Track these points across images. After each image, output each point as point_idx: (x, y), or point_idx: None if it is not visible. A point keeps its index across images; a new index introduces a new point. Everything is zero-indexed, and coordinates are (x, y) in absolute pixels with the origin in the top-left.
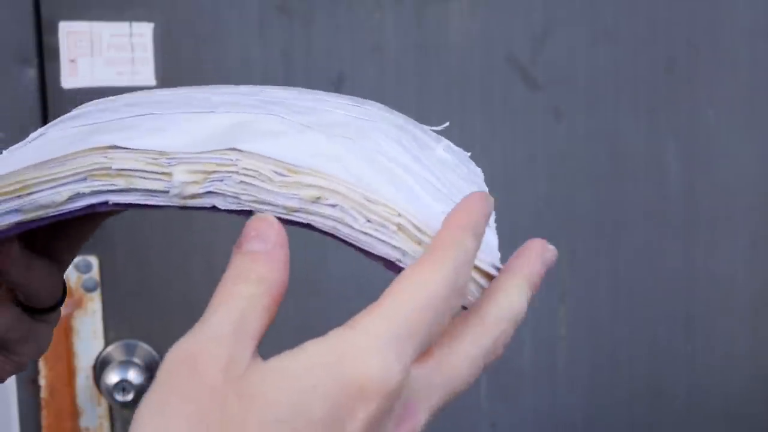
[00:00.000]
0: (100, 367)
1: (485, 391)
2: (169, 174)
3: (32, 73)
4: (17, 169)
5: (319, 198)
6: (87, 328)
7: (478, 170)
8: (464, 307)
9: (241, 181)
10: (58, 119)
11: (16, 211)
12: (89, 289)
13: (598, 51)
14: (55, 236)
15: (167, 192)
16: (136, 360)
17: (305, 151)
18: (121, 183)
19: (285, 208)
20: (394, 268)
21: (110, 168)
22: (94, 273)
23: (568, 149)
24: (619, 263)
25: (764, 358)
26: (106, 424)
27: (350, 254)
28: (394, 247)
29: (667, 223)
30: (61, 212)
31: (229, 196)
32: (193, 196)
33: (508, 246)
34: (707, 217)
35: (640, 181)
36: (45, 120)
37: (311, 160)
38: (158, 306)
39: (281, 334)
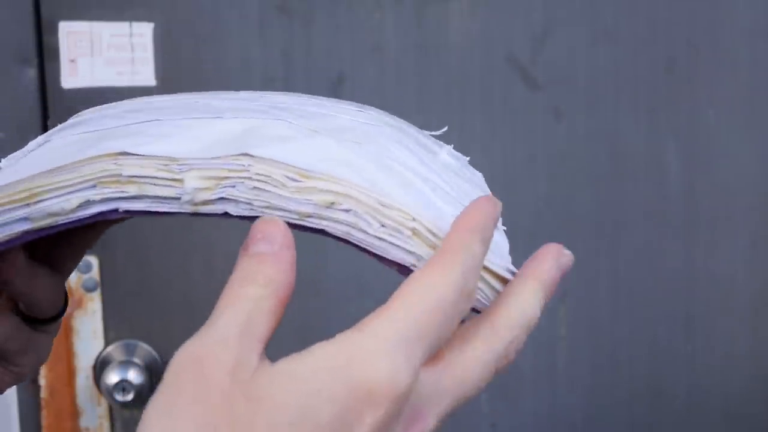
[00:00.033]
0: (100, 367)
1: (485, 391)
2: (180, 180)
3: (32, 73)
4: (25, 177)
5: (333, 203)
6: (87, 328)
7: (479, 174)
8: (477, 311)
9: (255, 187)
10: (59, 127)
11: (25, 219)
12: (89, 289)
13: (598, 51)
14: (58, 245)
15: (179, 198)
16: (136, 360)
17: (317, 156)
18: (131, 190)
19: (298, 213)
20: (407, 272)
21: (120, 175)
22: (94, 273)
23: (568, 149)
24: (619, 263)
25: (764, 358)
26: (106, 424)
27: (350, 255)
28: (409, 251)
29: (667, 223)
30: (71, 220)
31: (241, 202)
32: (205, 203)
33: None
34: (707, 217)
35: (640, 181)
36: (45, 120)
37: (323, 164)
38: (158, 306)
39: (282, 334)
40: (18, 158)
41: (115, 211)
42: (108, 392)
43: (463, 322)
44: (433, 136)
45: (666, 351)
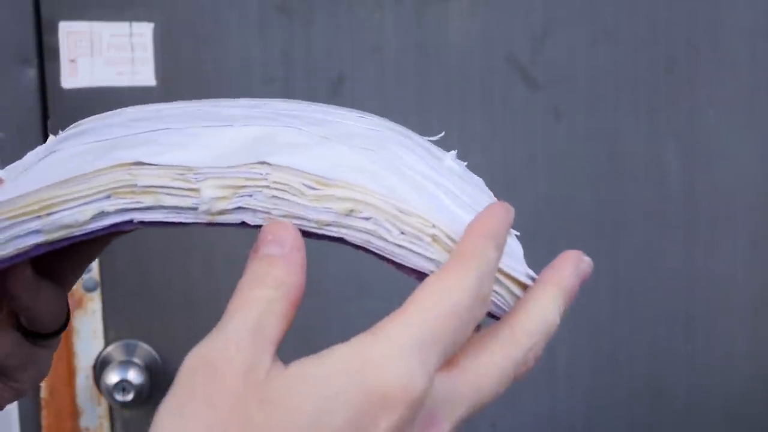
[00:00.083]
0: (100, 367)
1: None
2: (196, 190)
3: (32, 73)
4: (37, 188)
5: (352, 211)
6: (87, 328)
7: (480, 180)
8: (496, 317)
9: (273, 196)
10: (61, 136)
11: (37, 232)
12: (89, 289)
13: (598, 51)
14: (62, 258)
15: (195, 208)
16: (136, 360)
17: (332, 163)
18: (146, 200)
19: (317, 222)
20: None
21: (135, 185)
22: (94, 273)
23: (568, 149)
24: (619, 263)
25: (764, 358)
26: (106, 424)
27: (350, 255)
28: (429, 258)
29: (667, 223)
30: (84, 232)
31: (259, 211)
32: (222, 212)
33: None
34: (707, 217)
35: (640, 181)
36: (45, 120)
37: (340, 171)
38: (158, 306)
39: None
40: (19, 169)
41: (130, 222)
42: (108, 392)
43: (478, 328)
44: (431, 141)
45: (666, 351)
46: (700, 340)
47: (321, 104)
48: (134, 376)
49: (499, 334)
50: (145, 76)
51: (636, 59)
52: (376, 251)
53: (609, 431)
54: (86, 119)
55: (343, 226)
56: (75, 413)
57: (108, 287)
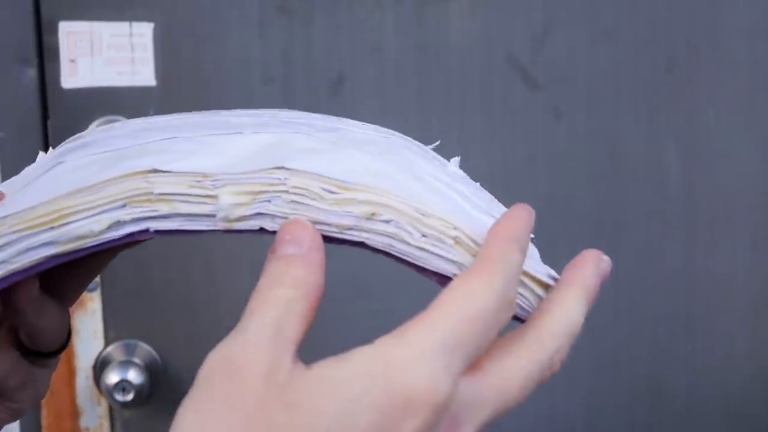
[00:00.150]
0: (100, 367)
1: None
2: (214, 196)
3: (32, 73)
4: (49, 199)
5: (373, 214)
6: (87, 328)
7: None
8: (520, 319)
9: (292, 201)
10: (63, 148)
11: (50, 243)
12: (89, 289)
13: (598, 51)
14: (66, 273)
15: (213, 216)
16: (136, 360)
17: (350, 167)
18: (163, 208)
19: (338, 226)
20: (447, 283)
21: (151, 193)
22: None
23: (568, 149)
24: (619, 263)
25: (764, 358)
26: (106, 424)
27: (350, 255)
28: (451, 261)
29: (667, 223)
30: (99, 243)
31: (278, 216)
32: (240, 219)
33: None
34: (707, 217)
35: (640, 181)
36: (45, 120)
37: (359, 175)
38: (158, 306)
39: None
40: (18, 184)
41: (146, 231)
42: (108, 392)
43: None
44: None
45: (666, 351)
46: (700, 340)
47: (321, 114)
48: (134, 376)
49: (525, 338)
50: (145, 76)
51: (636, 59)
52: (397, 255)
53: (609, 431)
54: (86, 132)
55: (365, 230)
56: (75, 413)
57: (108, 287)
